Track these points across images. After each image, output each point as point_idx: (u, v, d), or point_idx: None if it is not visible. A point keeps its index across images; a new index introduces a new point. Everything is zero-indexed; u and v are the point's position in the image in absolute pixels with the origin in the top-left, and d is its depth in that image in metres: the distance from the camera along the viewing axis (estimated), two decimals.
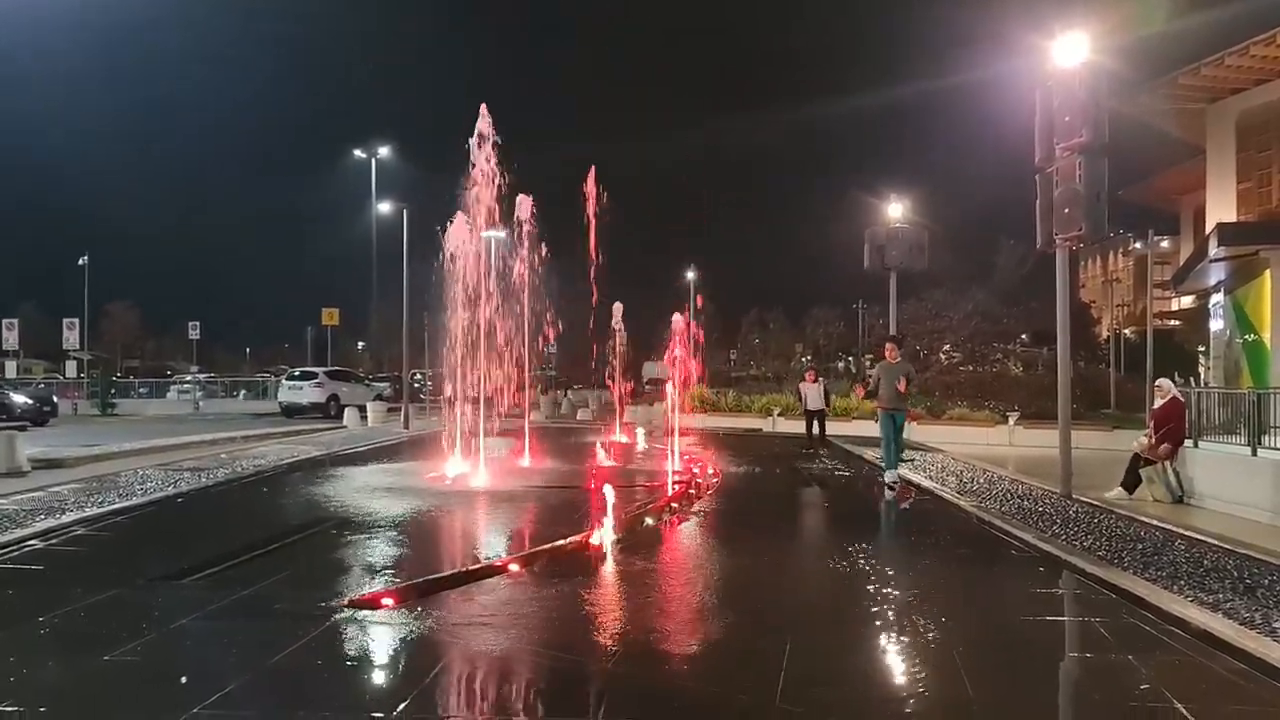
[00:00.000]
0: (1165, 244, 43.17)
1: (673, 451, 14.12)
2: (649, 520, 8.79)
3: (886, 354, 12.53)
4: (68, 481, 11.08)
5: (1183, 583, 6.16)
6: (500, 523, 9.03)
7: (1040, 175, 10.82)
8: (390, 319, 41.51)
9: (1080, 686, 4.49)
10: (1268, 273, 15.56)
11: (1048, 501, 10.22)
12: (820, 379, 19.39)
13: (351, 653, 4.75)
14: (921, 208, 22.71)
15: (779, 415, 25.16)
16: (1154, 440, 11.76)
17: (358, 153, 41.05)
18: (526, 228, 13.67)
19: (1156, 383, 12.82)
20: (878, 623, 5.43)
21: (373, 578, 6.29)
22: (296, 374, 35.18)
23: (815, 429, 18.29)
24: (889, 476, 11.84)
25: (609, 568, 6.94)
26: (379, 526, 8.48)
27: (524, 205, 13.48)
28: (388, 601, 5.57)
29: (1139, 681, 4.34)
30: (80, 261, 49.27)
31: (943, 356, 29.97)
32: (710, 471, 13.08)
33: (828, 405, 19.03)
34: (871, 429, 17.05)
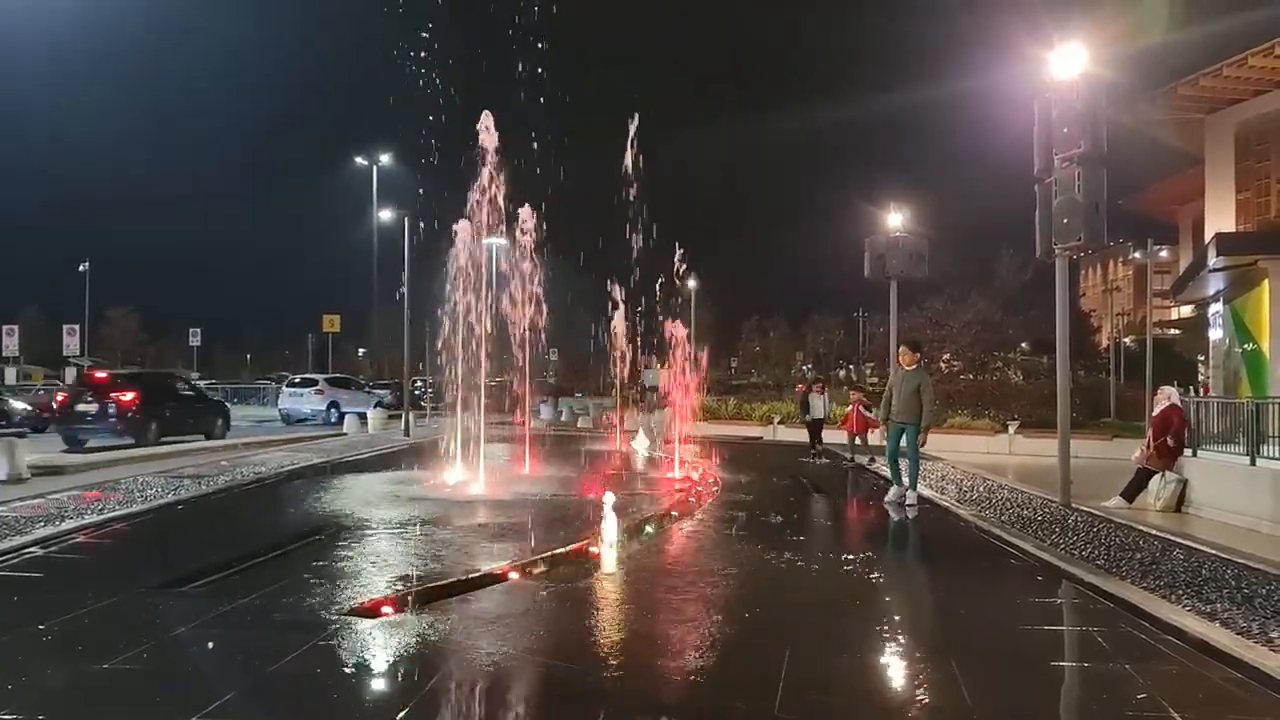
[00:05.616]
0: (1164, 253, 43.22)
1: (673, 459, 14.13)
2: (649, 528, 8.80)
3: (902, 360, 11.21)
4: (68, 488, 11.08)
5: (1181, 592, 6.17)
6: (500, 530, 9.04)
7: (1039, 185, 10.84)
8: (391, 325, 41.60)
9: (1078, 696, 4.50)
10: (1266, 282, 15.60)
11: (1047, 510, 10.22)
12: (826, 390, 19.80)
13: (350, 661, 4.75)
14: (922, 215, 22.70)
15: (779, 423, 25.20)
16: (1152, 448, 11.79)
17: (359, 160, 41.25)
18: (529, 237, 13.72)
19: (1160, 389, 12.87)
20: (876, 631, 5.43)
21: (372, 585, 6.29)
22: (297, 381, 35.25)
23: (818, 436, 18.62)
24: (892, 494, 11.01)
25: (608, 576, 6.95)
26: (379, 534, 8.48)
27: (525, 215, 13.54)
28: (387, 610, 5.58)
29: (1136, 691, 4.35)
30: (81, 268, 49.40)
31: (943, 365, 29.95)
32: (710, 480, 13.09)
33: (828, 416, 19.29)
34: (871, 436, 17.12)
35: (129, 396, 20.14)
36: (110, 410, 19.84)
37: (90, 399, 20.21)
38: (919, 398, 10.66)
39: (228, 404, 26.73)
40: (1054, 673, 4.81)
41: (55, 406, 22.03)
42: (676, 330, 17.76)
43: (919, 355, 11.15)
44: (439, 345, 13.13)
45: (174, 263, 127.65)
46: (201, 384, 35.53)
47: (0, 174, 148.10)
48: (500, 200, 12.75)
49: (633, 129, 15.10)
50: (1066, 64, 10.39)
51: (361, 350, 74.96)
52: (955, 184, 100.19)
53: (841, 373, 66.66)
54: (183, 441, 20.24)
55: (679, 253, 20.24)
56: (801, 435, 19.47)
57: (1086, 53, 10.39)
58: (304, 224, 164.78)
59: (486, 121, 12.49)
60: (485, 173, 12.57)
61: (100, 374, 22.24)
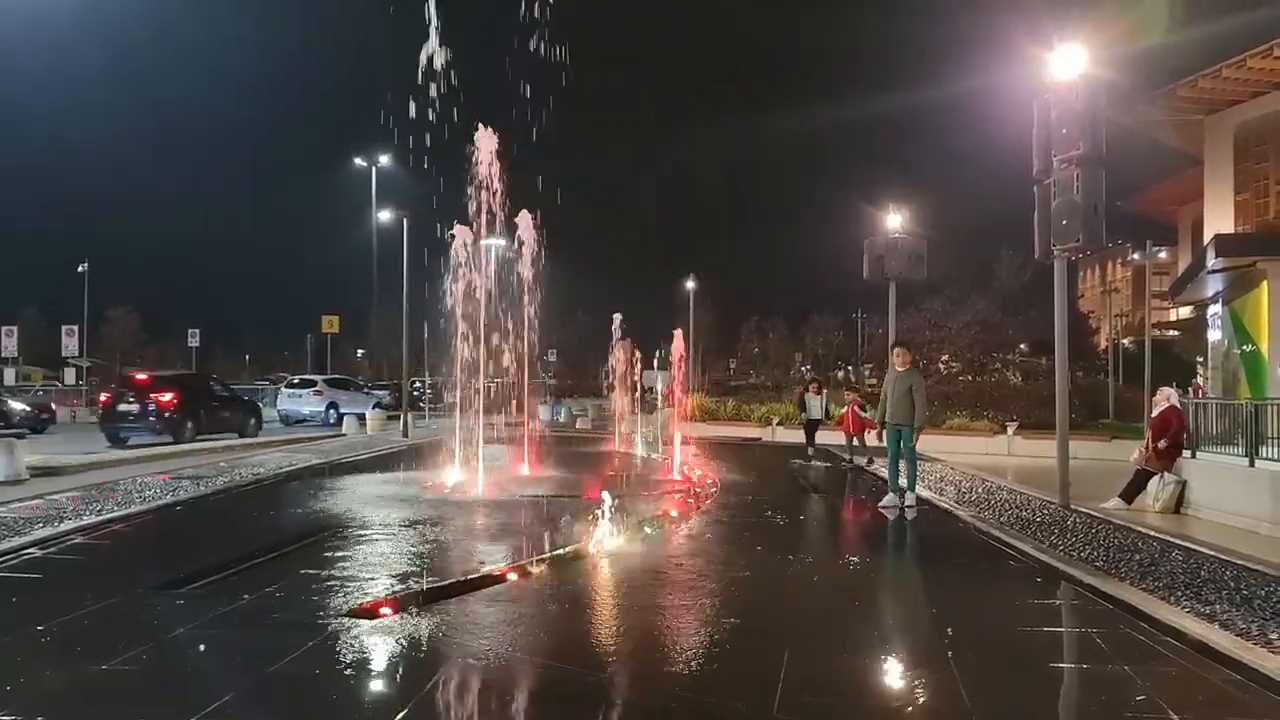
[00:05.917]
0: (1163, 255, 43.27)
1: (672, 460, 14.11)
2: (647, 529, 8.79)
3: (895, 361, 11.35)
4: (66, 489, 11.08)
5: (1180, 593, 6.17)
6: (499, 531, 9.04)
7: (1038, 186, 10.83)
8: (390, 326, 41.60)
9: (1077, 697, 4.50)
10: (1265, 284, 15.63)
11: (1046, 511, 10.22)
12: (823, 390, 19.77)
13: (349, 662, 4.75)
14: (921, 215, 22.73)
15: (778, 424, 25.19)
16: (1151, 449, 11.78)
17: (359, 160, 41.25)
18: (528, 242, 13.72)
19: (1159, 390, 12.87)
20: (874, 633, 5.43)
21: (371, 586, 6.29)
22: (295, 382, 35.25)
23: (815, 437, 18.61)
24: (888, 499, 10.87)
25: (606, 577, 6.95)
26: (377, 535, 8.48)
27: (525, 221, 13.55)
28: (386, 611, 5.57)
29: (1135, 692, 4.35)
30: (80, 268, 49.33)
31: (941, 366, 29.99)
32: (709, 480, 13.08)
33: (826, 416, 19.28)
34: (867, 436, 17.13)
35: (168, 397, 20.88)
36: (150, 410, 20.66)
37: (132, 399, 20.99)
38: (911, 398, 10.76)
39: (259, 404, 27.12)
40: (1053, 674, 4.81)
41: (98, 406, 23.50)
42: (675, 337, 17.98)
43: (912, 356, 11.31)
44: (444, 347, 13.14)
45: (174, 263, 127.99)
46: None
47: (1, 175, 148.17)
48: (499, 202, 12.74)
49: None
50: (1066, 65, 10.38)
51: (360, 351, 74.97)
52: (955, 184, 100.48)
53: (840, 374, 66.57)
54: (208, 440, 20.68)
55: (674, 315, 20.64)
56: (801, 437, 19.47)
57: (1086, 53, 10.38)
58: (304, 224, 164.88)
59: (484, 130, 12.48)
60: (484, 175, 12.55)
61: (141, 375, 23.05)
